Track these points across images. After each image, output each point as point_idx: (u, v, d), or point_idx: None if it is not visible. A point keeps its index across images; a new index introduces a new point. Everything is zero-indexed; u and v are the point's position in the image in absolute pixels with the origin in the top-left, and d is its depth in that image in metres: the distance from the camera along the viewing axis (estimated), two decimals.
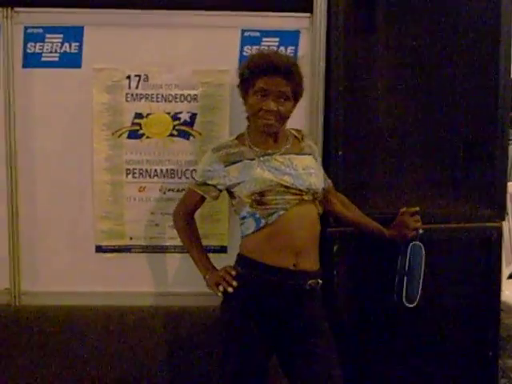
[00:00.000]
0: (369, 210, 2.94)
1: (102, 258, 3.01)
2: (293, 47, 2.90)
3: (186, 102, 2.91)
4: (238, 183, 2.55)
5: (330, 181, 2.80)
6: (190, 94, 2.91)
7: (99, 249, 3.00)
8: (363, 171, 3.02)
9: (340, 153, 2.95)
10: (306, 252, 2.55)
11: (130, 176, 2.95)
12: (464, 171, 3.07)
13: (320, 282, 2.59)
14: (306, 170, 2.58)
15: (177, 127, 2.93)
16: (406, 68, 2.98)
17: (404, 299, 2.89)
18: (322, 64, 2.90)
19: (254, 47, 2.88)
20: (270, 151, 2.58)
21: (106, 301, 3.01)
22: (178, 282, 3.03)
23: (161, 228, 2.99)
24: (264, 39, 2.89)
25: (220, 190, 2.64)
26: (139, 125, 2.92)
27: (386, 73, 2.97)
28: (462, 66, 3.02)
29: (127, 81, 2.89)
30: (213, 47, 2.90)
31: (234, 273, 2.55)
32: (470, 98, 3.03)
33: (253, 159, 2.56)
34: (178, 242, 2.85)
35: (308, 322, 2.55)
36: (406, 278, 2.90)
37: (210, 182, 2.62)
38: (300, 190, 2.53)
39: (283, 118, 2.54)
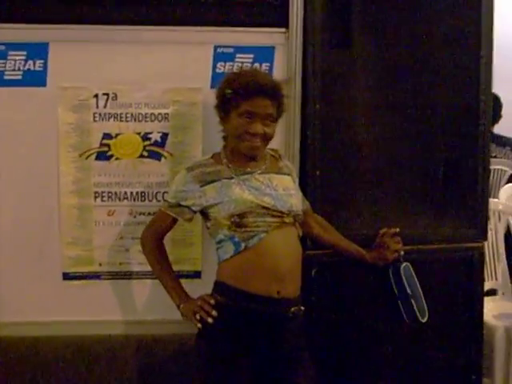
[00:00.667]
0: (347, 232, 2.86)
1: (70, 285, 2.88)
2: (268, 64, 2.83)
3: (156, 121, 2.82)
4: (216, 204, 2.43)
5: (307, 202, 2.72)
6: (160, 113, 2.82)
7: (67, 276, 2.88)
8: (341, 191, 2.93)
9: (317, 172, 2.87)
10: (290, 278, 2.45)
11: (98, 199, 2.84)
12: (445, 190, 3.01)
13: (302, 308, 2.50)
14: (286, 190, 2.49)
15: (147, 148, 2.83)
16: (385, 83, 2.91)
17: (420, 318, 2.84)
18: (298, 80, 2.82)
19: (228, 64, 2.81)
20: (249, 169, 2.48)
21: (74, 330, 2.90)
22: (149, 309, 2.93)
23: (131, 253, 2.88)
24: (238, 55, 2.81)
25: (194, 212, 2.52)
26: (108, 146, 2.81)
27: (365, 89, 2.89)
28: (442, 81, 2.96)
29: (95, 99, 2.79)
30: (184, 64, 2.81)
31: (212, 301, 2.43)
32: (450, 114, 2.98)
33: (231, 178, 2.46)
34: (148, 267, 2.69)
35: (290, 352, 2.46)
36: (412, 299, 2.84)
37: (184, 203, 2.50)
38: (281, 212, 2.43)
39: (269, 139, 2.46)
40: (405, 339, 3.00)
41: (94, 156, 2.82)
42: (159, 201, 2.83)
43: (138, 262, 2.87)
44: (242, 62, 2.79)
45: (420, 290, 2.85)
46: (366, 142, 2.92)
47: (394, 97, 2.93)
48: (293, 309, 2.44)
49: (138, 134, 2.82)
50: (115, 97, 2.80)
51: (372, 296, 2.93)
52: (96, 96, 2.79)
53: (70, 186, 2.83)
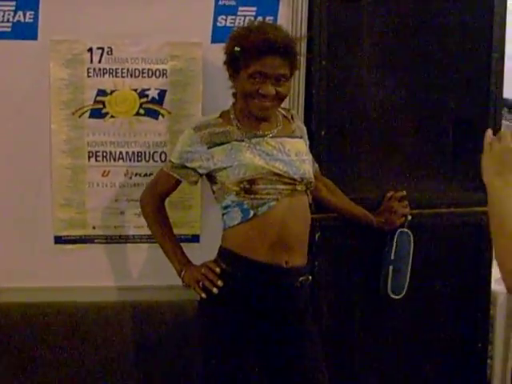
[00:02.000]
0: (352, 194, 2.81)
1: (62, 249, 2.81)
2: (271, 17, 2.71)
3: (154, 77, 2.72)
4: (224, 168, 2.31)
5: (316, 165, 2.62)
6: (158, 69, 2.72)
7: (59, 240, 2.80)
8: (347, 153, 2.87)
9: (323, 133, 2.79)
10: (299, 247, 2.36)
11: (92, 159, 2.75)
12: (454, 151, 2.95)
13: (310, 278, 2.42)
14: (299, 156, 2.38)
15: (144, 105, 2.73)
16: (394, 39, 2.83)
17: (389, 290, 2.78)
18: (304, 35, 2.70)
19: (229, 17, 2.70)
20: (260, 132, 2.36)
21: (67, 297, 2.83)
22: (146, 274, 2.87)
23: (126, 216, 2.81)
24: (240, 8, 2.70)
25: (200, 175, 2.40)
26: (102, 103, 2.72)
27: (373, 45, 2.82)
28: (453, 38, 2.89)
29: (89, 54, 2.68)
30: (184, 17, 2.70)
31: (218, 270, 2.32)
32: (460, 73, 2.91)
33: (242, 141, 2.34)
34: (145, 231, 2.68)
35: (296, 322, 2.39)
36: (391, 267, 2.78)
37: (189, 165, 2.38)
38: (293, 179, 2.32)
39: (281, 99, 2.33)
40: (410, 306, 2.94)
41: (87, 114, 2.72)
42: (156, 161, 2.77)
43: (134, 225, 2.81)
44: (245, 16, 2.70)
45: (409, 263, 2.80)
46: (373, 102, 2.85)
47: (404, 54, 2.86)
48: (300, 278, 2.36)
49: (135, 90, 2.72)
50: (110, 51, 2.69)
51: (377, 261, 2.85)
52: (90, 50, 2.68)
53: (63, 145, 2.73)
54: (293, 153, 2.36)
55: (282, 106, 2.47)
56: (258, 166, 2.29)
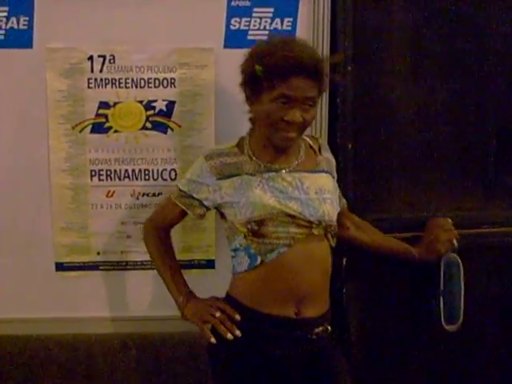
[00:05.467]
0: (383, 216, 2.68)
1: (64, 277, 2.71)
2: (290, 19, 2.57)
3: (161, 87, 2.61)
4: (231, 203, 2.15)
5: (344, 201, 2.42)
6: (166, 78, 2.61)
7: (60, 266, 2.71)
8: (376, 168, 2.74)
9: (350, 146, 2.65)
10: (313, 297, 2.17)
11: (95, 178, 2.65)
12: (496, 166, 2.81)
13: (329, 328, 2.22)
14: (320, 194, 2.16)
15: (151, 118, 2.62)
16: (427, 41, 2.69)
17: (443, 322, 2.59)
18: (327, 39, 2.58)
19: (244, 19, 2.57)
20: (276, 166, 2.17)
21: (68, 329, 2.74)
22: (155, 304, 2.74)
23: (134, 240, 2.69)
24: (255, 9, 2.57)
25: (207, 208, 2.24)
26: (105, 116, 2.61)
27: (403, 48, 2.69)
28: (495, 39, 2.73)
29: (89, 63, 2.58)
30: (193, 20, 2.57)
31: (238, 317, 2.16)
32: (503, 78, 2.76)
33: (253, 174, 2.15)
34: None
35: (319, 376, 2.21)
36: (442, 299, 2.59)
37: (196, 196, 2.23)
38: (309, 222, 2.12)
39: (306, 127, 2.13)
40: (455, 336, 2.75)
41: (89, 128, 2.63)
42: (165, 179, 2.66)
43: (142, 250, 2.63)
44: (261, 18, 2.56)
45: (462, 290, 2.59)
46: (404, 111, 2.72)
47: (439, 58, 2.72)
48: (317, 330, 2.17)
49: (140, 102, 2.62)
50: (113, 59, 2.59)
51: (413, 287, 2.73)
52: (90, 58, 2.59)
53: (62, 163, 2.64)
54: (312, 190, 2.15)
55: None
56: (267, 204, 2.10)
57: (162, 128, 2.62)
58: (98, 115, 2.60)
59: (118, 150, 2.63)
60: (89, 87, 2.58)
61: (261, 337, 2.15)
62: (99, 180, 2.65)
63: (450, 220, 2.60)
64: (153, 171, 2.65)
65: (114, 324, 2.75)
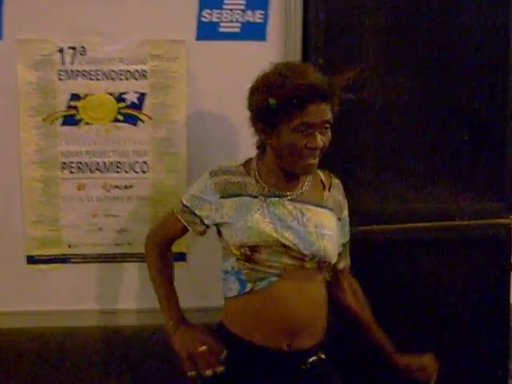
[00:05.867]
0: (358, 208, 2.59)
1: (35, 270, 2.70)
2: (262, 11, 2.58)
3: (132, 79, 2.61)
4: (229, 224, 2.11)
5: (348, 260, 2.34)
6: (137, 70, 2.61)
7: (31, 260, 2.69)
8: (351, 161, 2.73)
9: None
10: (305, 329, 2.12)
11: (66, 171, 2.65)
12: (468, 158, 2.81)
13: (323, 356, 2.18)
14: (319, 229, 2.11)
15: (122, 110, 2.62)
16: (401, 34, 2.69)
17: None
18: (299, 31, 2.59)
19: (215, 11, 2.57)
20: (280, 192, 2.12)
21: (41, 322, 2.72)
22: (128, 296, 2.73)
23: (105, 233, 2.69)
24: (226, 1, 2.57)
25: (207, 226, 2.20)
26: (76, 108, 2.61)
27: (376, 42, 2.68)
28: (469, 35, 2.74)
29: (60, 54, 2.57)
30: (165, 12, 2.57)
31: (223, 355, 2.09)
32: (476, 72, 2.77)
33: (256, 197, 2.11)
34: (127, 249, 2.66)
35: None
36: None
37: (197, 213, 2.18)
38: (303, 255, 2.08)
39: (325, 151, 2.08)
40: (429, 327, 2.82)
41: (59, 121, 2.62)
42: (137, 172, 2.66)
43: (114, 242, 2.70)
44: (231, 9, 2.57)
45: None
46: (378, 104, 2.71)
47: (412, 51, 2.71)
48: (310, 360, 2.15)
49: (111, 94, 2.62)
50: (84, 51, 2.59)
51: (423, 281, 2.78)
52: (61, 50, 2.58)
53: (33, 155, 2.64)
54: (312, 224, 2.11)
55: None
56: (263, 232, 2.06)
57: (133, 120, 2.62)
58: (69, 107, 2.60)
59: (89, 143, 2.63)
60: (59, 79, 2.58)
61: (251, 367, 2.12)
62: (70, 172, 2.64)
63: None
64: (124, 163, 2.65)
65: (85, 317, 2.73)
